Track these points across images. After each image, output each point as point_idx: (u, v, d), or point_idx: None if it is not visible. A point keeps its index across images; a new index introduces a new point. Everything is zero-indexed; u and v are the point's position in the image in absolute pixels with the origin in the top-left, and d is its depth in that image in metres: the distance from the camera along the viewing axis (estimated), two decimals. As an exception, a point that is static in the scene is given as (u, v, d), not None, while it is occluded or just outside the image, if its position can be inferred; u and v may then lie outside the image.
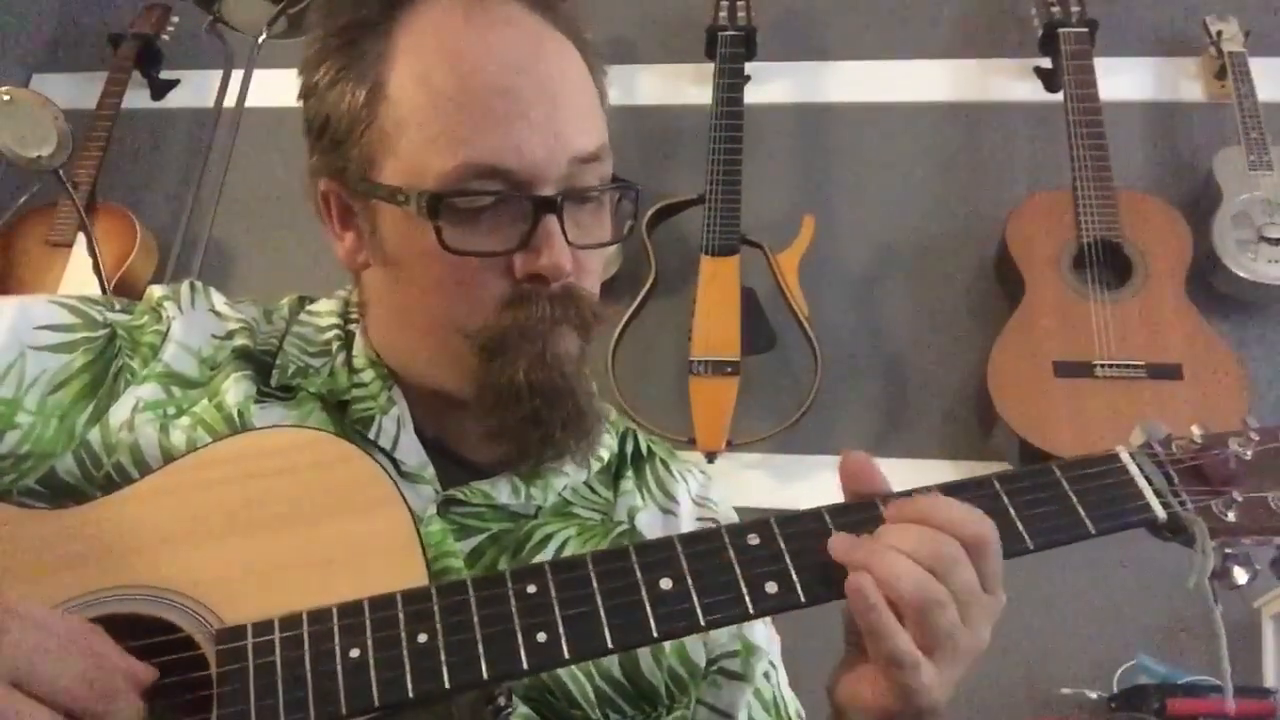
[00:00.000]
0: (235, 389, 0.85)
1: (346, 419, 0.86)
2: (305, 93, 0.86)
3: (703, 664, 0.90)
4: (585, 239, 0.83)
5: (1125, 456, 0.79)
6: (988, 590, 0.72)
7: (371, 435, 0.85)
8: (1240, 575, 0.76)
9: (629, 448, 0.99)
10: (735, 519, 0.97)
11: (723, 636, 0.92)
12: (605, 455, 0.95)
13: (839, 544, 0.72)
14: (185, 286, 0.92)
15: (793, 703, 0.96)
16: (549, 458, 0.86)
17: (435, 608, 0.70)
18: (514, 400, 0.81)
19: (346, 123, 0.83)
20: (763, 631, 0.95)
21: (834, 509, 0.75)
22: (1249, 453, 0.78)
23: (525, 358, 0.80)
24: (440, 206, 0.79)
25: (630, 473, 0.96)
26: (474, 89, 0.79)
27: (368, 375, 0.88)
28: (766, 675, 0.93)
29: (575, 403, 0.83)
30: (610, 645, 0.70)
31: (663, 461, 0.99)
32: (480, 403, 0.83)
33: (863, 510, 0.75)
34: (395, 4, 0.83)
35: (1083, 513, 0.75)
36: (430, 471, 0.86)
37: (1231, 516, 0.76)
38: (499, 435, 0.84)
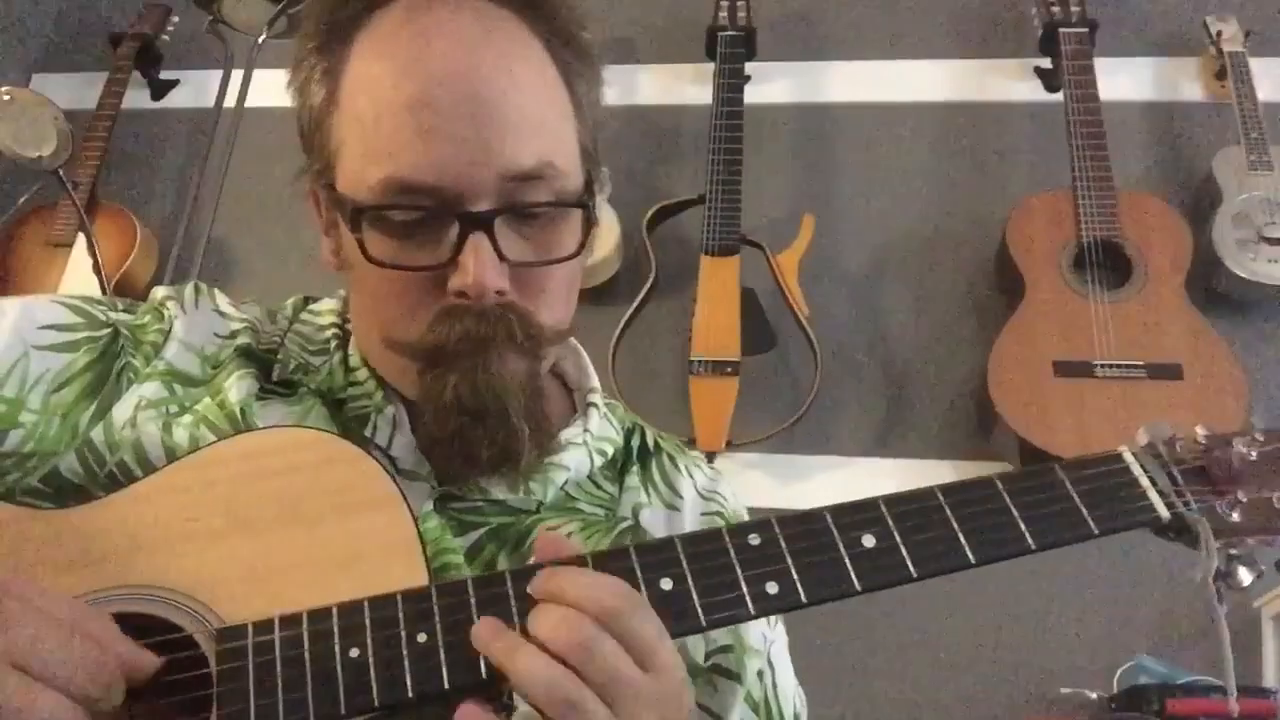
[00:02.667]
0: (238, 387, 0.85)
1: (344, 416, 0.87)
2: (291, 93, 0.86)
3: (702, 663, 0.89)
4: (530, 255, 0.80)
5: (1128, 456, 0.78)
6: (643, 666, 0.67)
7: (368, 433, 0.85)
8: (1245, 576, 0.76)
9: (635, 443, 0.98)
10: (745, 515, 0.96)
11: (719, 629, 0.91)
12: (610, 450, 0.94)
13: (482, 633, 0.67)
14: (189, 287, 0.93)
15: (790, 701, 0.96)
16: (474, 477, 0.84)
17: (435, 607, 0.70)
18: (443, 415, 0.80)
19: (312, 128, 0.83)
20: (759, 629, 0.94)
21: (835, 508, 0.75)
22: (1254, 453, 0.78)
23: (456, 373, 0.79)
24: (363, 219, 0.78)
25: (636, 468, 0.96)
26: (400, 101, 0.77)
27: (362, 374, 0.88)
28: (760, 674, 0.92)
29: (506, 423, 0.80)
30: (610, 644, 0.70)
31: (669, 456, 0.99)
32: (421, 411, 0.82)
33: (864, 510, 0.75)
34: (363, 8, 0.81)
35: (1085, 513, 0.75)
36: (426, 468, 0.86)
37: (1235, 517, 0.76)
38: (429, 447, 0.83)
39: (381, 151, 0.77)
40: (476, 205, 0.77)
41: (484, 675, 0.68)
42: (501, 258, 0.78)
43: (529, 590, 0.69)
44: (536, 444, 0.83)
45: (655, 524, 0.93)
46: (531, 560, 0.73)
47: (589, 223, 0.83)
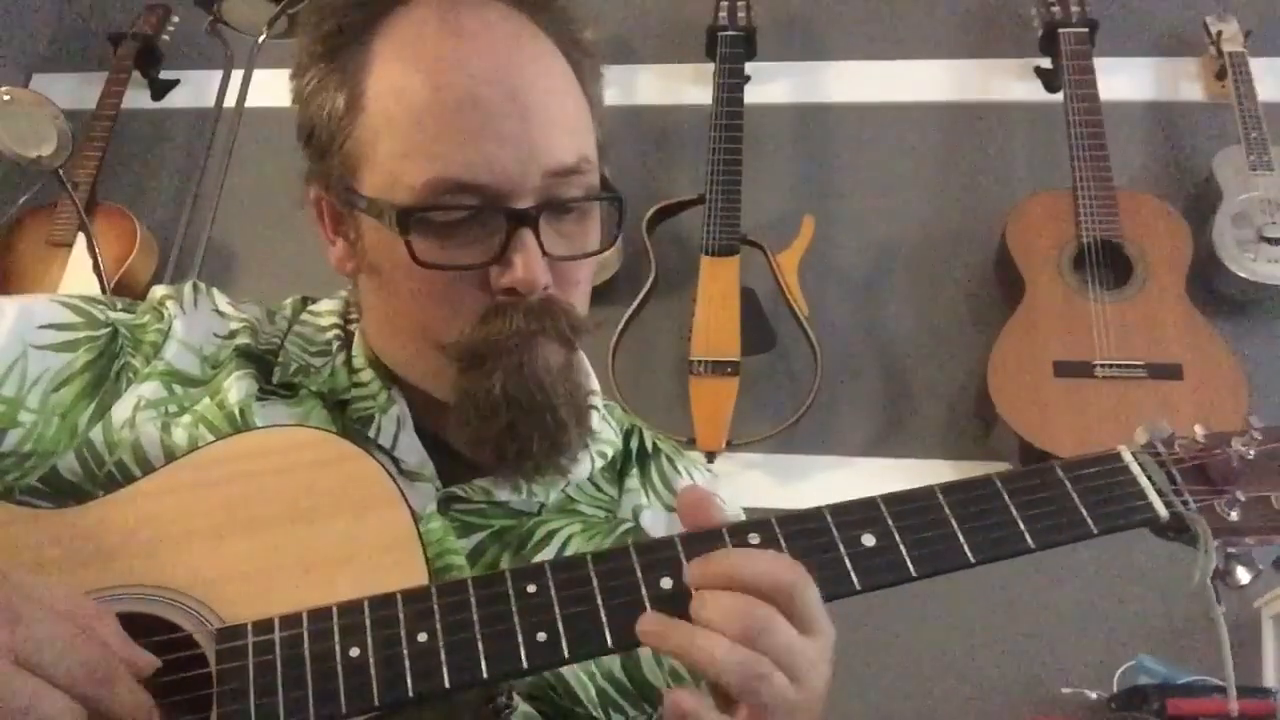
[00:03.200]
0: (237, 387, 0.85)
1: (346, 418, 0.87)
2: (295, 98, 0.86)
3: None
4: (568, 250, 0.82)
5: (1127, 455, 0.78)
6: (807, 633, 0.69)
7: (371, 434, 0.85)
8: (1243, 575, 0.76)
9: (634, 444, 0.98)
10: (742, 518, 0.96)
11: None
12: (610, 452, 0.95)
13: (649, 628, 0.69)
14: (188, 287, 0.93)
15: None
16: (527, 470, 0.85)
17: (435, 607, 0.70)
18: (491, 412, 0.80)
19: (328, 132, 0.83)
20: None
21: (835, 508, 0.75)
22: (1252, 452, 0.77)
23: (502, 370, 0.80)
24: (410, 221, 0.78)
25: (635, 470, 0.96)
26: (443, 101, 0.78)
27: (366, 375, 0.88)
28: None
29: (555, 415, 0.82)
30: (610, 645, 0.70)
31: (668, 458, 0.99)
32: (460, 412, 0.82)
33: (864, 510, 0.75)
34: (378, 12, 0.82)
35: (1084, 512, 0.75)
36: (430, 469, 0.86)
37: (1234, 516, 0.76)
38: (478, 444, 0.83)
39: (425, 152, 0.78)
40: (521, 202, 0.78)
41: (485, 675, 0.68)
42: (544, 253, 0.79)
43: (694, 574, 0.70)
44: (581, 433, 0.85)
45: (655, 525, 0.93)
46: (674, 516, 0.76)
47: (622, 214, 0.85)
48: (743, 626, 0.67)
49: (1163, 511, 0.76)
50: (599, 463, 0.93)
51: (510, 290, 0.79)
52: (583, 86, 0.85)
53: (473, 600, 0.70)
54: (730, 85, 2.43)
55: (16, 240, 2.59)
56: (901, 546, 0.73)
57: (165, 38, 2.84)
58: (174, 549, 0.74)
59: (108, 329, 0.87)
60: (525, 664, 0.69)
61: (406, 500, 0.76)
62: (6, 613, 0.61)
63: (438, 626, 0.69)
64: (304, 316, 0.95)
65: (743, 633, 0.67)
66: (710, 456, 2.16)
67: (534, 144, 0.78)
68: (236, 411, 0.83)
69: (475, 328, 0.80)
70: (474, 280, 0.80)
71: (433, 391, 0.85)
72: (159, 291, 0.92)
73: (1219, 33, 2.41)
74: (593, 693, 0.82)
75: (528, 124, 0.78)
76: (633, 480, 0.95)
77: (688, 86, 2.65)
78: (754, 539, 0.73)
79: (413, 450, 0.86)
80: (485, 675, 0.68)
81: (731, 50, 2.47)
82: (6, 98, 1.89)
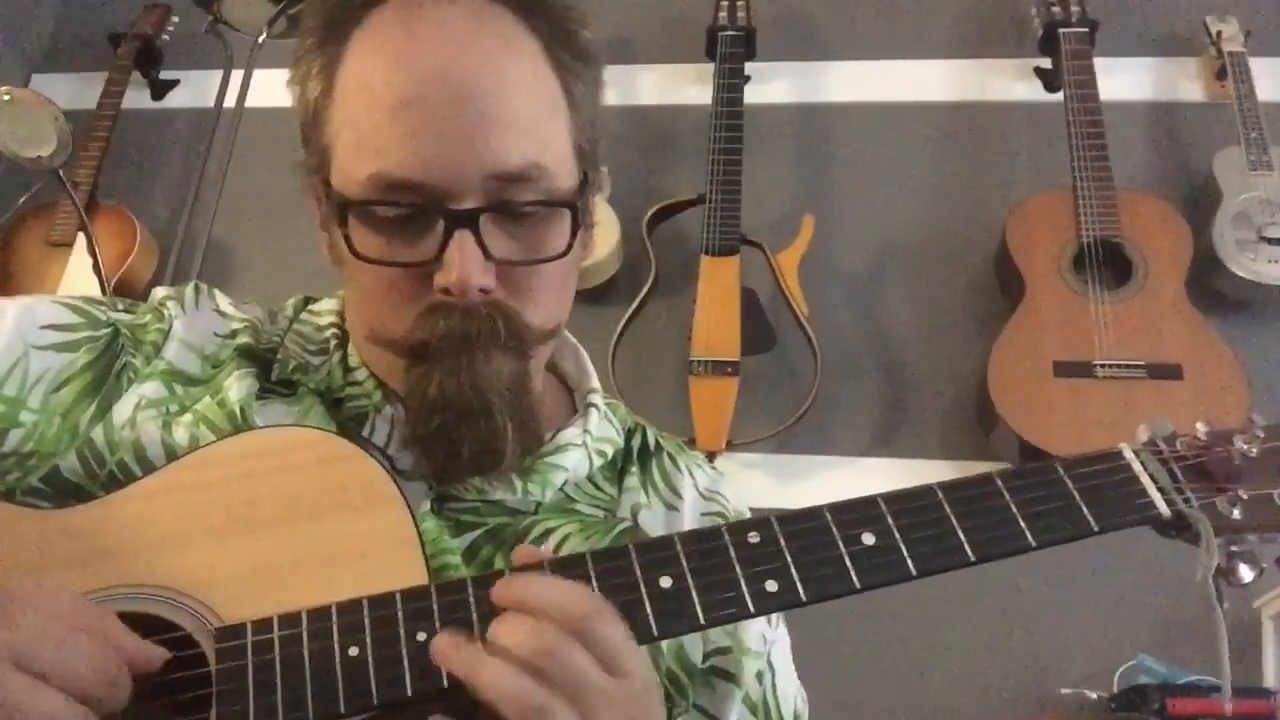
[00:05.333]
0: (237, 386, 0.85)
1: (342, 415, 0.87)
2: (291, 90, 0.87)
3: (700, 663, 0.89)
4: (518, 254, 0.80)
5: (1129, 453, 0.78)
6: (612, 673, 0.67)
7: (365, 432, 0.86)
8: (1246, 573, 0.76)
9: (635, 443, 0.98)
10: (747, 516, 0.96)
11: (715, 631, 0.91)
12: (609, 451, 0.94)
13: (442, 648, 0.67)
14: (189, 287, 0.93)
15: (790, 703, 0.95)
16: (456, 475, 0.84)
17: (434, 606, 0.70)
18: (427, 411, 0.80)
19: (310, 123, 0.84)
20: (758, 630, 0.93)
21: (835, 507, 0.75)
22: (1254, 450, 0.77)
23: (441, 370, 0.79)
24: (349, 214, 0.78)
25: (635, 469, 0.96)
26: (391, 97, 0.77)
27: (361, 374, 0.88)
28: (759, 676, 0.92)
29: (490, 422, 0.80)
30: (610, 643, 0.69)
31: (670, 456, 0.98)
32: (406, 408, 0.83)
33: (864, 508, 0.75)
34: (361, 6, 0.82)
35: (1086, 510, 0.75)
36: (424, 468, 0.85)
37: (1236, 513, 0.76)
38: (411, 442, 0.83)
39: (370, 148, 0.78)
40: (462, 203, 0.77)
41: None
42: (488, 256, 0.78)
43: (491, 597, 0.68)
44: (522, 443, 0.83)
45: (654, 524, 0.93)
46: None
47: (576, 223, 0.82)
48: (532, 650, 0.65)
49: (1164, 509, 0.76)
50: (598, 461, 0.93)
51: (446, 291, 0.78)
52: (563, 87, 0.83)
53: (471, 599, 0.70)
54: (730, 85, 2.43)
55: (16, 240, 2.59)
56: (901, 545, 0.73)
57: (165, 38, 2.84)
58: (174, 549, 0.74)
59: (109, 329, 0.87)
60: (524, 662, 0.69)
61: (407, 500, 0.76)
62: (6, 617, 0.62)
63: (437, 625, 0.69)
64: (304, 315, 0.95)
65: (532, 656, 0.65)
66: (710, 456, 2.16)
67: (473, 145, 0.76)
68: (237, 410, 0.83)
69: (414, 325, 0.80)
70: (416, 278, 0.79)
71: (393, 386, 0.85)
72: (159, 292, 0.92)
73: (1219, 33, 2.41)
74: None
75: (467, 124, 0.76)
76: (632, 479, 0.95)
77: (688, 86, 2.65)
78: (753, 537, 0.73)
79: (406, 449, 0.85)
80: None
81: (731, 50, 2.47)
82: (6, 98, 1.89)
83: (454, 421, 0.80)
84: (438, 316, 0.79)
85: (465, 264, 0.76)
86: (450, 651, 0.67)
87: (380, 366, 0.87)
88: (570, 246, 0.82)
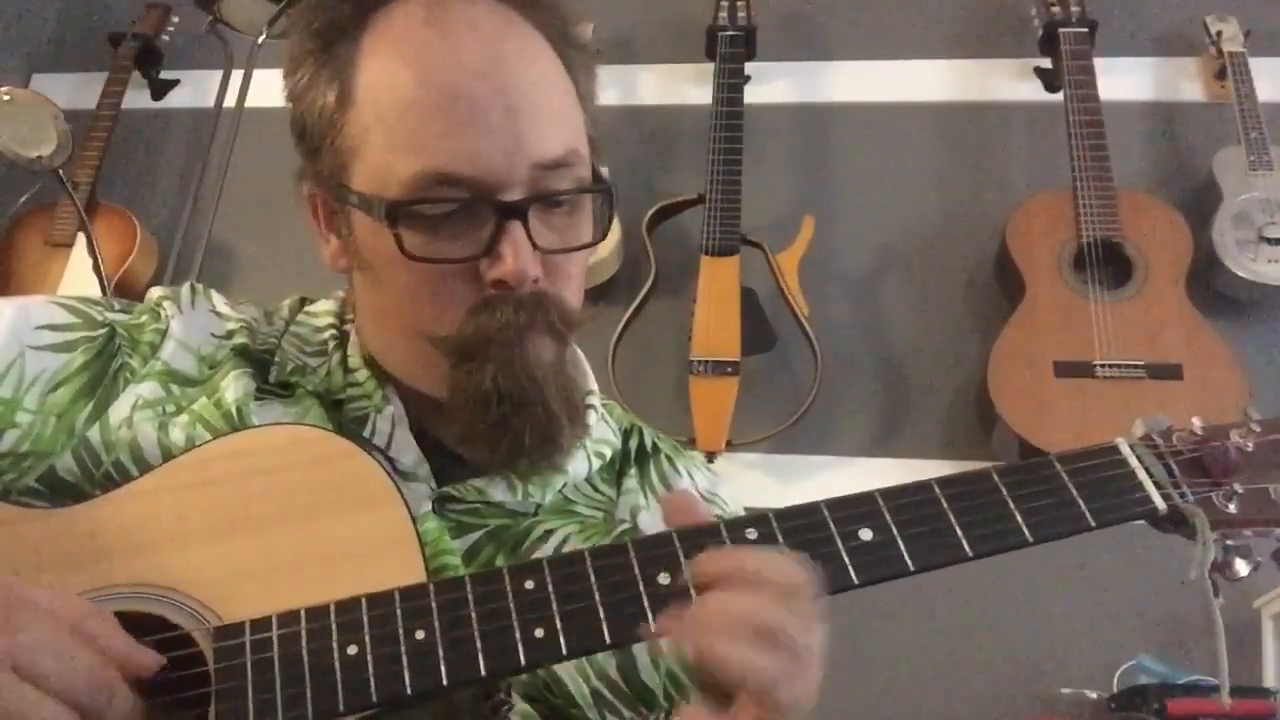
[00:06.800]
0: (234, 387, 0.85)
1: (342, 417, 0.86)
2: (288, 96, 0.87)
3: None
4: (557, 243, 0.82)
5: (1125, 448, 0.78)
6: (810, 632, 0.69)
7: (366, 433, 0.85)
8: (1241, 567, 0.76)
9: (634, 444, 0.98)
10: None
11: None
12: (608, 453, 0.94)
13: (664, 626, 0.68)
14: (185, 288, 0.93)
15: None
16: (520, 465, 0.85)
17: (433, 604, 0.70)
18: (483, 406, 0.80)
19: (320, 128, 0.83)
20: None
21: (832, 503, 0.75)
22: (1250, 444, 0.77)
23: (494, 363, 0.80)
24: (399, 214, 0.78)
25: (634, 470, 0.96)
26: (431, 95, 0.78)
27: (362, 375, 0.88)
28: None
29: (547, 409, 0.82)
30: (608, 641, 0.70)
31: (668, 457, 0.99)
32: (452, 406, 0.83)
33: (862, 504, 0.75)
34: (367, 7, 0.82)
35: (1082, 505, 0.75)
36: (425, 469, 0.85)
37: (1232, 508, 0.76)
38: (470, 439, 0.83)
39: (413, 145, 0.78)
40: (510, 195, 0.78)
41: (482, 672, 0.68)
42: (535, 246, 0.79)
43: (696, 570, 0.69)
44: (573, 428, 0.85)
45: (653, 526, 0.92)
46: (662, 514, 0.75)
47: (613, 206, 0.85)
48: (752, 626, 0.66)
49: (1160, 504, 0.76)
50: (597, 463, 0.93)
51: (500, 283, 0.79)
52: (573, 80, 0.85)
53: (470, 597, 0.70)
54: (730, 85, 2.43)
55: (16, 240, 2.59)
56: (899, 540, 0.73)
57: (165, 38, 2.85)
58: (172, 548, 0.74)
59: (105, 329, 0.87)
60: (523, 661, 0.69)
61: (405, 498, 0.76)
62: (5, 622, 0.62)
63: (435, 624, 0.69)
64: (300, 316, 0.95)
65: (752, 632, 0.66)
66: (710, 457, 2.16)
67: (521, 136, 0.78)
68: (234, 410, 0.83)
69: (465, 321, 0.80)
70: (464, 274, 0.80)
71: (426, 388, 0.85)
72: (156, 292, 0.92)
73: (1219, 33, 2.41)
74: (587, 693, 0.82)
75: (515, 116, 0.78)
76: (631, 481, 0.95)
77: (688, 86, 2.65)
78: (751, 534, 0.73)
79: (407, 450, 0.86)
80: (483, 672, 0.68)
81: (731, 50, 2.47)
82: (6, 98, 1.89)
83: (512, 413, 0.81)
84: (493, 310, 0.79)
85: (521, 255, 0.78)
86: (671, 628, 0.68)
87: (416, 368, 0.85)
88: (605, 232, 0.85)
